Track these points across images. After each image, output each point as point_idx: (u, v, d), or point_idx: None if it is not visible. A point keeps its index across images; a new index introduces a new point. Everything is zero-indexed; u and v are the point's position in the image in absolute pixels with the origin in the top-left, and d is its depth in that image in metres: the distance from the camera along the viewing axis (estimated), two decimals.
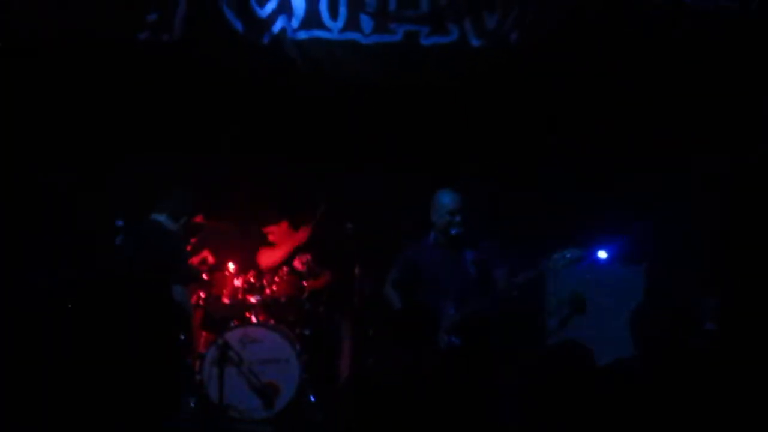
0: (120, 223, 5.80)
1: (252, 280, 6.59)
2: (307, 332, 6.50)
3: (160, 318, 5.71)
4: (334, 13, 6.01)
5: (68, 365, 5.36)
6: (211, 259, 6.60)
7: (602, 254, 5.32)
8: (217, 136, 6.62)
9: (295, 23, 6.01)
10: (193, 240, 6.46)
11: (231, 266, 6.58)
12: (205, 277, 6.45)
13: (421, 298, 5.33)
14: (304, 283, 6.59)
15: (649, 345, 5.14)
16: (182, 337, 6.01)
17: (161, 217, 5.93)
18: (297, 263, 6.74)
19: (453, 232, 5.23)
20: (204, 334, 6.52)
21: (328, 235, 6.76)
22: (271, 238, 6.91)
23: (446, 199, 5.27)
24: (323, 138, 6.58)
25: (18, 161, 6.35)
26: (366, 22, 6.02)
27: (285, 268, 6.69)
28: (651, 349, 5.11)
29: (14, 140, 6.29)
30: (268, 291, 6.57)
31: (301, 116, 6.48)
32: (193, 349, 6.34)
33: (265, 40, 6.05)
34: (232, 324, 6.33)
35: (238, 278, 6.58)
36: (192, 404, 6.11)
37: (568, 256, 4.97)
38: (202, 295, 6.48)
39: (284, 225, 6.93)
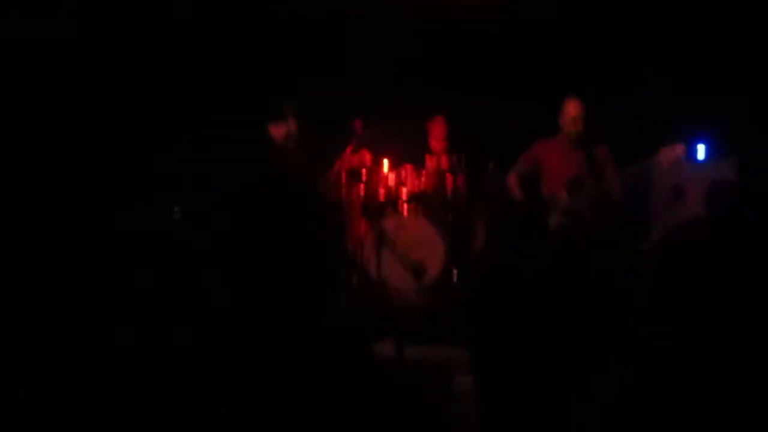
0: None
1: (402, 175, 7.21)
2: (449, 218, 7.12)
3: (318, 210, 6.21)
4: None
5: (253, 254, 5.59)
6: (368, 160, 7.18)
7: (699, 149, 6.05)
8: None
9: None
10: (355, 142, 7.04)
11: (386, 163, 7.24)
12: (365, 173, 7.12)
13: (541, 187, 6.34)
14: (447, 178, 7.21)
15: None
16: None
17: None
18: (441, 161, 7.33)
19: (574, 132, 6.17)
20: (364, 221, 7.17)
21: (468, 138, 7.36)
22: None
23: (570, 105, 6.24)
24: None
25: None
26: None
27: (431, 164, 7.27)
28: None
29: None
30: (417, 183, 7.18)
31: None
32: (354, 234, 7.16)
33: None
34: (387, 213, 7.05)
35: (392, 173, 7.24)
36: (355, 281, 6.84)
37: (674, 150, 5.71)
38: (362, 187, 7.15)
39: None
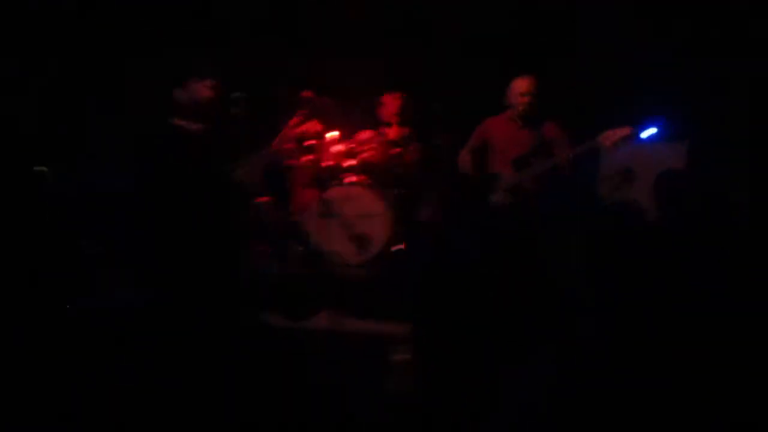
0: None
1: (352, 146, 7.17)
2: (396, 192, 7.07)
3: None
4: None
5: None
6: (317, 128, 7.07)
7: (649, 132, 5.97)
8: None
9: None
10: (303, 112, 6.56)
11: (336, 133, 7.17)
12: (314, 142, 7.07)
13: (490, 164, 6.30)
14: (397, 150, 7.18)
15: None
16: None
17: None
18: (392, 134, 7.34)
19: (522, 110, 6.15)
20: (311, 189, 7.16)
21: (419, 113, 7.40)
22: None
23: (520, 83, 6.19)
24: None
25: None
26: None
27: (381, 137, 7.24)
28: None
29: None
30: (365, 156, 7.13)
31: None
32: (299, 202, 7.15)
33: None
34: (334, 183, 6.99)
35: (342, 143, 7.18)
36: (300, 250, 6.88)
37: (619, 132, 5.69)
38: (310, 158, 7.11)
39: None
